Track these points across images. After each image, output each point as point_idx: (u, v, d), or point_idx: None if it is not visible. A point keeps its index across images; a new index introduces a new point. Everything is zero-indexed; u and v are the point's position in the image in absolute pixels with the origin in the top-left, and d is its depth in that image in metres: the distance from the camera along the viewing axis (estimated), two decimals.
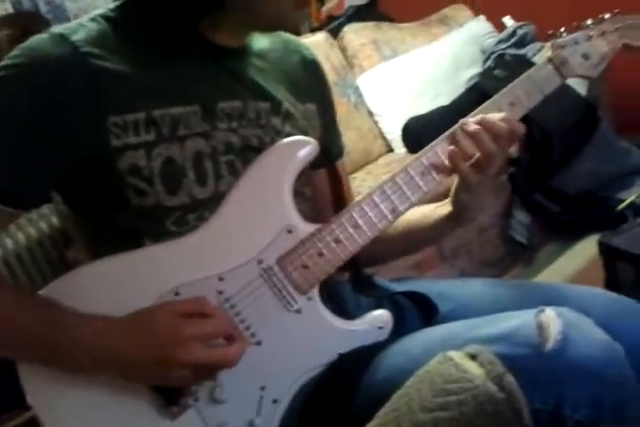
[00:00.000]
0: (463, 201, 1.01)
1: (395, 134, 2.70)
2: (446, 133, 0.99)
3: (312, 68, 1.14)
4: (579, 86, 2.53)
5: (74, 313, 0.86)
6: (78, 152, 0.89)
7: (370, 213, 0.97)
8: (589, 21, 1.10)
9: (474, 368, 0.74)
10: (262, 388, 0.91)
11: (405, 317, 1.03)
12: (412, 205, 0.99)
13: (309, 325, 0.94)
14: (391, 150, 2.75)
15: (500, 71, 2.63)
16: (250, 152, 0.96)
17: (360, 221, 0.96)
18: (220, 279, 0.92)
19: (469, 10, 3.30)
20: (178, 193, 0.91)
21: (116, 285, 0.90)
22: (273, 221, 0.95)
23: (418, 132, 2.52)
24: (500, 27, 3.13)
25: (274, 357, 0.92)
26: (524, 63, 2.60)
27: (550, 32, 1.10)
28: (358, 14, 3.27)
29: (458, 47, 2.96)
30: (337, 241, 0.95)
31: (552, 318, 0.83)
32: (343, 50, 2.89)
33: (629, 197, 2.23)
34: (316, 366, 0.93)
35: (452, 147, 0.96)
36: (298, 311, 0.94)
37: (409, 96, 2.74)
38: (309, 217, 1.01)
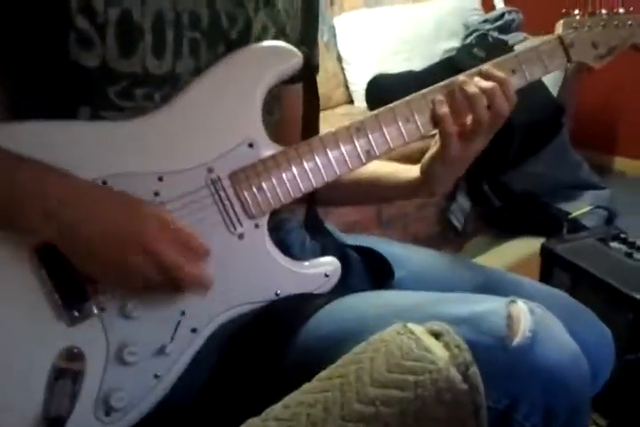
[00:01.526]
0: (434, 172, 0.91)
1: (358, 86, 2.59)
2: (442, 84, 0.88)
3: None
4: (551, 86, 2.47)
5: (12, 155, 0.72)
6: None
7: (343, 149, 0.85)
8: (604, 11, 1.02)
9: (437, 349, 0.63)
10: (182, 313, 0.78)
11: (353, 273, 0.92)
12: (389, 151, 0.88)
13: (251, 254, 0.81)
14: (351, 102, 2.63)
15: (479, 50, 2.54)
16: (218, 36, 0.83)
17: (330, 155, 0.85)
18: (160, 179, 0.78)
19: None
20: (130, 57, 0.77)
21: (45, 150, 0.74)
22: (235, 129, 0.82)
23: (381, 91, 2.41)
24: (486, 6, 3.05)
25: None
26: (506, 49, 2.51)
27: (564, 10, 1.03)
28: None
29: (442, 15, 2.86)
30: (301, 169, 0.83)
31: (523, 312, 0.74)
32: None
33: (572, 209, 2.21)
34: (249, 302, 0.81)
35: (444, 104, 0.86)
36: (240, 236, 0.81)
37: (383, 51, 2.64)
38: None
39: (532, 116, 2.22)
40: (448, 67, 2.47)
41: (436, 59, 2.64)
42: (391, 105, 0.88)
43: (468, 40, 2.76)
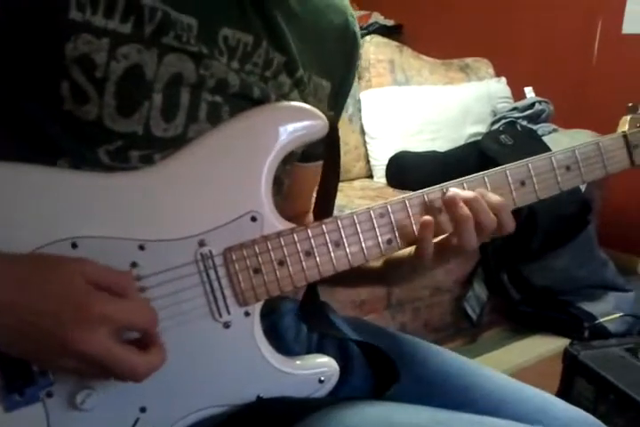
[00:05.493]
0: (397, 272, 0.82)
1: (379, 161, 2.54)
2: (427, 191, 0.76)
3: (350, 41, 0.87)
4: None
5: None
6: (22, 11, 0.62)
7: (361, 235, 0.73)
8: None
9: None
10: (143, 409, 0.65)
11: (352, 371, 0.79)
12: (413, 244, 0.75)
13: (235, 347, 0.69)
14: (370, 176, 2.58)
15: (506, 138, 2.46)
16: (245, 103, 0.72)
17: (345, 240, 0.72)
18: (141, 248, 0.66)
19: (492, 68, 3.17)
20: (131, 116, 0.66)
21: (9, 198, 0.64)
22: (238, 198, 0.70)
23: (402, 168, 2.34)
24: (516, 95, 3.01)
25: (173, 374, 0.66)
26: (535, 139, 2.44)
27: (630, 104, 0.91)
28: (381, 32, 3.16)
29: (470, 100, 2.83)
30: (307, 254, 0.71)
31: None
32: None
33: (595, 310, 2.09)
34: (224, 404, 0.68)
35: (426, 217, 0.74)
36: (226, 325, 0.69)
37: (407, 129, 2.59)
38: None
39: (557, 209, 2.13)
40: (474, 151, 2.40)
41: (460, 142, 2.58)
42: (421, 191, 0.76)
43: (495, 126, 2.71)
